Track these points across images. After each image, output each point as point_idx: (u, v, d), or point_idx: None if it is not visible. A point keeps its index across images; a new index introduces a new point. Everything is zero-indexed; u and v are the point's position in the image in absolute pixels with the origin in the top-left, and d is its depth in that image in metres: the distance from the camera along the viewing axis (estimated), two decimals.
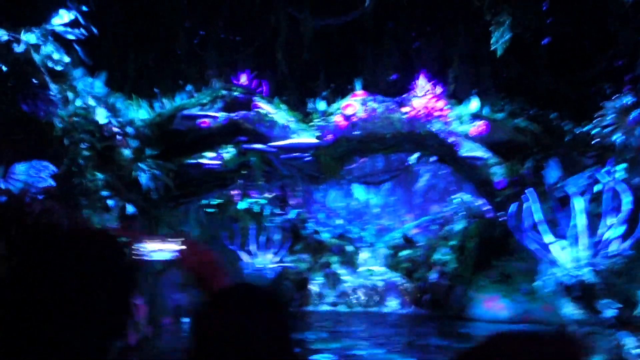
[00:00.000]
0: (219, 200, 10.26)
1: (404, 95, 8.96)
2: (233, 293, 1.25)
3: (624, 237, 6.50)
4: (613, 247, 6.61)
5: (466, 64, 11.36)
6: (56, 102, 5.56)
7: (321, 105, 9.09)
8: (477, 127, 8.66)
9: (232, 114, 8.17)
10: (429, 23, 11.90)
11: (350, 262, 12.50)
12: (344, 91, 9.42)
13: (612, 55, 9.97)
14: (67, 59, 6.79)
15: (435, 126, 8.68)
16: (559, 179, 8.08)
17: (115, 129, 7.06)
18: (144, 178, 7.18)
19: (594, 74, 10.30)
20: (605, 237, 6.11)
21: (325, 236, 13.06)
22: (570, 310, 5.78)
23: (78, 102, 6.59)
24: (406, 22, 11.67)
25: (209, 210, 10.42)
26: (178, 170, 8.07)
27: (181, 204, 8.43)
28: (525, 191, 7.03)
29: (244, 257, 9.48)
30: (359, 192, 16.95)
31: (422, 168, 16.35)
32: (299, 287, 11.15)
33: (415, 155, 11.06)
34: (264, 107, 8.34)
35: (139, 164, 7.30)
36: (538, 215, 6.43)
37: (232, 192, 13.51)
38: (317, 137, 8.49)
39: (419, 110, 8.74)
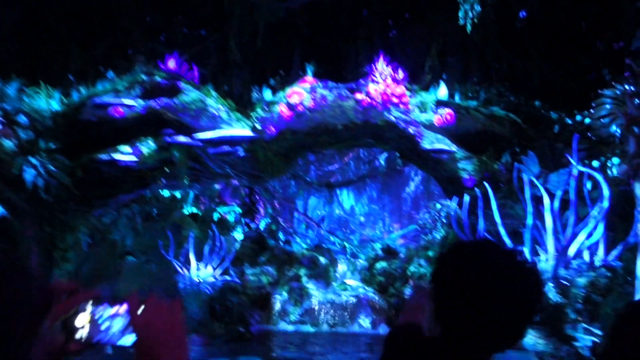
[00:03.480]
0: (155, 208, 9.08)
1: (359, 81, 7.70)
2: None
3: (607, 244, 5.11)
4: (598, 257, 5.24)
5: (444, 51, 10.06)
6: None
7: (267, 94, 7.92)
8: (442, 115, 7.33)
9: (152, 102, 7.03)
10: (404, 9, 10.64)
11: (323, 275, 11.14)
12: (297, 79, 8.21)
13: (611, 37, 8.55)
14: None
15: (394, 114, 7.39)
16: (537, 175, 6.71)
17: None
18: (29, 174, 6.05)
19: (590, 58, 8.88)
20: (577, 243, 4.72)
21: (296, 247, 11.74)
22: (531, 339, 4.39)
23: None
24: (377, 8, 10.45)
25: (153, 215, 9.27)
26: (87, 167, 6.94)
27: (94, 206, 7.28)
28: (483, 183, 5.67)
29: (181, 269, 8.23)
30: (344, 199, 15.66)
31: (412, 171, 15.00)
32: (257, 303, 9.85)
33: (384, 155, 9.83)
34: (190, 94, 7.17)
35: (29, 158, 6.19)
36: (496, 215, 5.07)
37: (203, 200, 12.38)
38: (253, 129, 7.28)
39: (376, 97, 7.46)
